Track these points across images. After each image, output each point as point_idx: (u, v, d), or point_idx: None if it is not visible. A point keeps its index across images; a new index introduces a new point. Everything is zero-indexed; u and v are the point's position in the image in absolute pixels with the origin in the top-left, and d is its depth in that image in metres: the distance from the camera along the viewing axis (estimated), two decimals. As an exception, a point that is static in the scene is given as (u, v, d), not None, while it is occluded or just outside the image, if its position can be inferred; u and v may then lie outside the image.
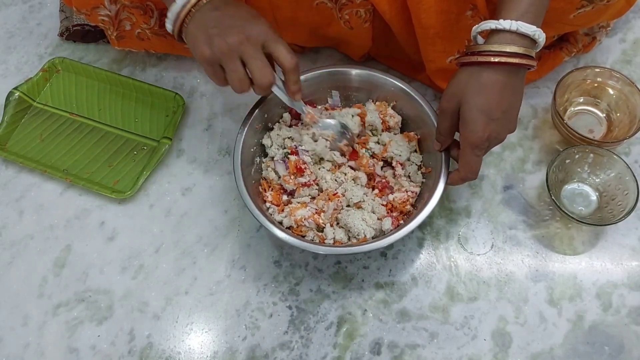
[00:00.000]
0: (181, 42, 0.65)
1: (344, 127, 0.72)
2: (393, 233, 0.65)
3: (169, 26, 0.64)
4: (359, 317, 0.70)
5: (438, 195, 0.67)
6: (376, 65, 0.85)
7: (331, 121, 0.72)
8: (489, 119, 0.61)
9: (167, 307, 0.72)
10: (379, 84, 0.76)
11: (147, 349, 0.70)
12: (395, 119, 0.76)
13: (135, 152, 0.82)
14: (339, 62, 0.88)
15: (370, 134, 0.75)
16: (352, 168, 0.73)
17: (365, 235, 0.68)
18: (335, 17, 0.75)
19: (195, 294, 0.72)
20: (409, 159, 0.74)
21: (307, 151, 0.71)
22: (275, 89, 0.66)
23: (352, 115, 0.74)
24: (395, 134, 0.76)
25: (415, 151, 0.75)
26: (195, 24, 0.62)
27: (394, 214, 0.70)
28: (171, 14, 0.63)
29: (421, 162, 0.74)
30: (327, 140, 0.72)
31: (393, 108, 0.77)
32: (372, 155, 0.74)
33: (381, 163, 0.74)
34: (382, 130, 0.76)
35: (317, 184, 0.72)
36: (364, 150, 0.74)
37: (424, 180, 0.73)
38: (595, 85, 0.80)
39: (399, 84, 0.74)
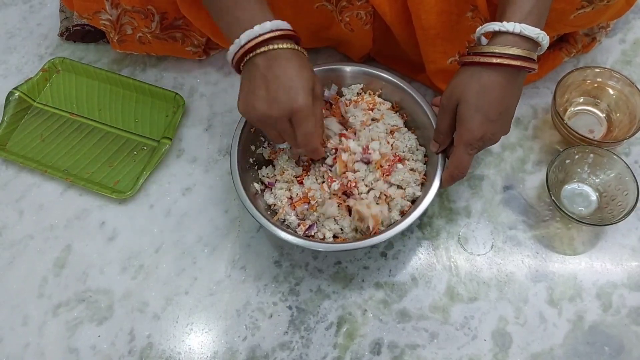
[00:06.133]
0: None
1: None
2: (393, 227, 0.65)
3: (229, 60, 0.64)
4: (359, 317, 0.70)
5: (434, 191, 0.67)
6: (376, 65, 0.85)
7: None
8: (486, 119, 0.62)
9: (167, 307, 0.72)
10: (377, 82, 0.77)
11: (147, 349, 0.70)
12: (385, 105, 0.76)
13: (135, 152, 0.82)
14: (338, 62, 0.88)
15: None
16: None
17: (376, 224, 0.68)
18: (335, 19, 0.75)
19: (196, 294, 0.72)
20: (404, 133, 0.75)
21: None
22: None
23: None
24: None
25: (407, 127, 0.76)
26: (245, 73, 0.62)
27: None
28: (228, 54, 0.63)
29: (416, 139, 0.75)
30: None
31: (379, 96, 0.77)
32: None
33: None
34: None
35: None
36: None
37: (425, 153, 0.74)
38: (595, 85, 0.80)
39: (396, 81, 0.75)
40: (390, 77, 0.75)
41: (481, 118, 0.61)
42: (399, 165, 0.71)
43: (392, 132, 0.74)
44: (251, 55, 0.61)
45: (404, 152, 0.73)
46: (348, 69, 0.77)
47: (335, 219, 0.69)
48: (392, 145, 0.73)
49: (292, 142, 0.65)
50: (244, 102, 0.63)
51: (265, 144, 0.76)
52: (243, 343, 0.69)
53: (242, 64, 0.63)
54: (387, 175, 0.70)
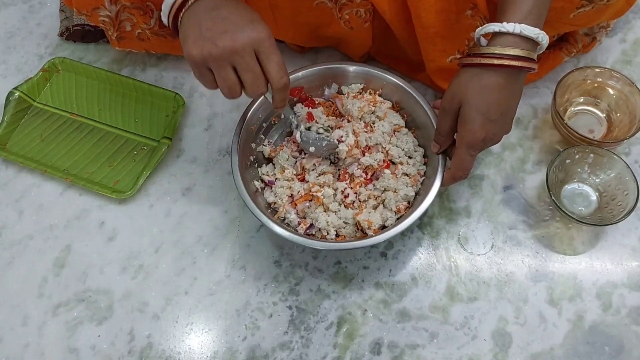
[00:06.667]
0: (177, 38, 0.62)
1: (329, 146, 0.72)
2: (393, 227, 0.66)
3: (164, 19, 0.61)
4: (359, 317, 0.70)
5: (435, 191, 0.67)
6: (376, 64, 0.85)
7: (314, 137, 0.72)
8: (487, 120, 0.62)
9: (167, 307, 0.72)
10: (377, 81, 0.77)
11: (147, 349, 0.70)
12: (386, 105, 0.76)
13: (135, 152, 0.82)
14: (339, 61, 0.88)
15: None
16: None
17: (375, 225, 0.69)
18: (335, 17, 0.75)
19: (195, 294, 0.72)
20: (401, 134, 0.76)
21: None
22: (268, 95, 0.64)
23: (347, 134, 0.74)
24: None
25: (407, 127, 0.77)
26: (189, 20, 0.59)
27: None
28: (165, 5, 0.60)
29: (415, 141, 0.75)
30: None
31: (380, 95, 0.77)
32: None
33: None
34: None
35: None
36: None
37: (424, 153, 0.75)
38: (595, 85, 0.80)
39: (397, 81, 0.75)
40: (390, 77, 0.76)
41: (483, 119, 0.62)
42: (386, 171, 0.71)
43: (394, 131, 0.75)
44: (189, 3, 0.58)
45: (400, 157, 0.73)
46: (348, 68, 0.77)
47: (335, 212, 0.70)
48: (387, 151, 0.73)
49: (257, 79, 0.59)
50: (198, 41, 0.57)
51: (266, 142, 0.76)
52: (243, 343, 0.69)
53: (181, 15, 0.59)
54: (369, 181, 0.72)
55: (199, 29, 0.58)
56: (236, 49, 0.57)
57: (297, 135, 0.72)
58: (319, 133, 0.73)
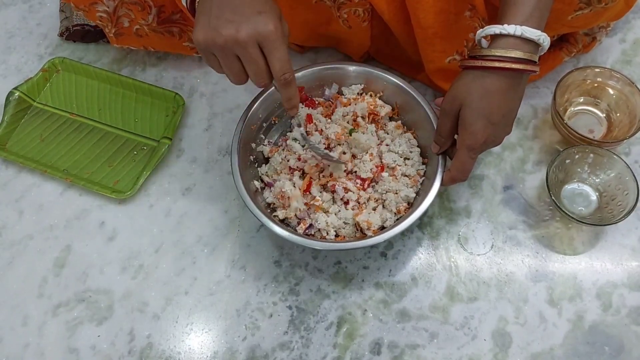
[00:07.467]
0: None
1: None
2: (393, 227, 0.66)
3: (183, 1, 0.61)
4: (359, 317, 0.70)
5: (434, 191, 0.67)
6: (376, 64, 0.85)
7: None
8: (489, 123, 0.62)
9: (167, 307, 0.72)
10: (377, 81, 0.77)
11: (147, 349, 0.70)
12: (385, 109, 0.76)
13: (135, 152, 0.82)
14: (340, 61, 0.88)
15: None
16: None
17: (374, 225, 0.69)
18: (334, 15, 0.75)
19: (195, 294, 0.72)
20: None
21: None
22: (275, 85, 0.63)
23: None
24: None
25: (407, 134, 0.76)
26: (203, 6, 0.58)
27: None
28: None
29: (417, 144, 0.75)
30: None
31: (380, 98, 0.77)
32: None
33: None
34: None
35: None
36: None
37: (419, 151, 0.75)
38: (595, 85, 0.80)
39: (397, 81, 0.75)
40: (390, 77, 0.75)
41: (484, 122, 0.62)
42: (384, 174, 0.71)
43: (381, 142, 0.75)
44: None
45: (395, 161, 0.73)
46: (349, 68, 0.77)
47: (335, 213, 0.70)
48: (380, 156, 0.73)
49: (259, 72, 0.58)
50: (205, 28, 0.57)
51: (266, 142, 0.76)
52: (243, 343, 0.69)
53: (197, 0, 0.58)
54: (371, 183, 0.72)
55: (208, 16, 0.57)
56: (239, 40, 0.56)
57: (298, 134, 0.72)
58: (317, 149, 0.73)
